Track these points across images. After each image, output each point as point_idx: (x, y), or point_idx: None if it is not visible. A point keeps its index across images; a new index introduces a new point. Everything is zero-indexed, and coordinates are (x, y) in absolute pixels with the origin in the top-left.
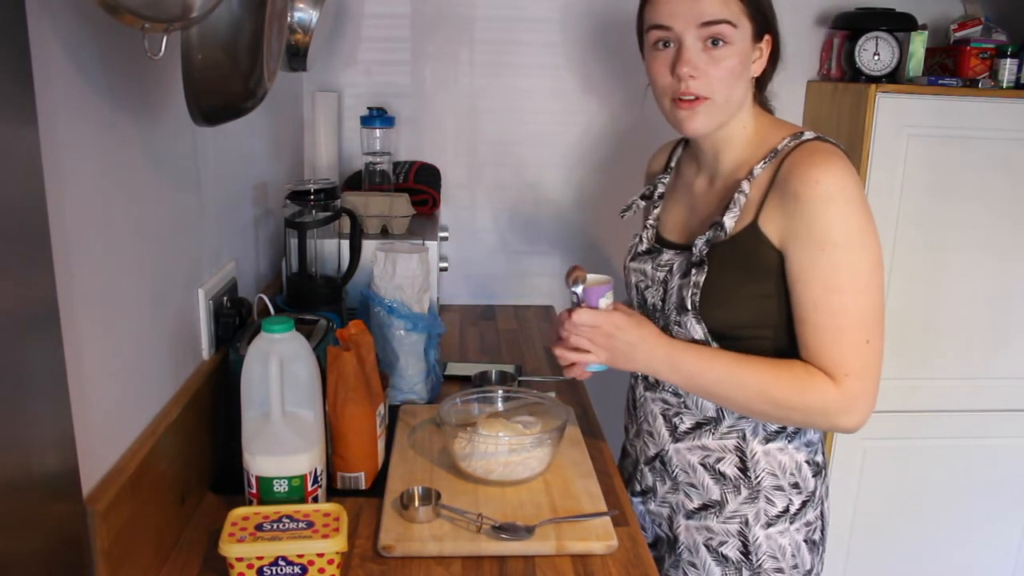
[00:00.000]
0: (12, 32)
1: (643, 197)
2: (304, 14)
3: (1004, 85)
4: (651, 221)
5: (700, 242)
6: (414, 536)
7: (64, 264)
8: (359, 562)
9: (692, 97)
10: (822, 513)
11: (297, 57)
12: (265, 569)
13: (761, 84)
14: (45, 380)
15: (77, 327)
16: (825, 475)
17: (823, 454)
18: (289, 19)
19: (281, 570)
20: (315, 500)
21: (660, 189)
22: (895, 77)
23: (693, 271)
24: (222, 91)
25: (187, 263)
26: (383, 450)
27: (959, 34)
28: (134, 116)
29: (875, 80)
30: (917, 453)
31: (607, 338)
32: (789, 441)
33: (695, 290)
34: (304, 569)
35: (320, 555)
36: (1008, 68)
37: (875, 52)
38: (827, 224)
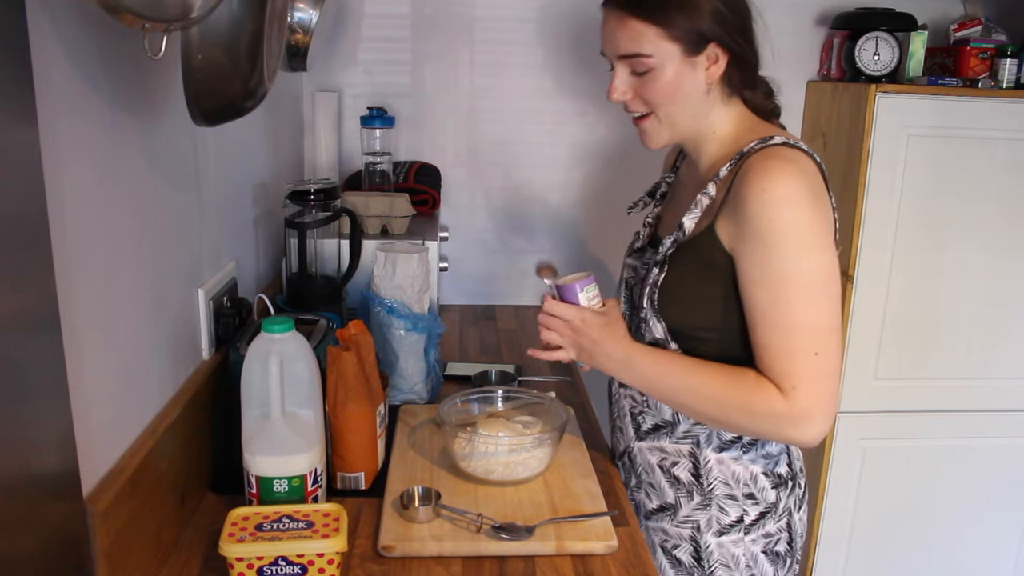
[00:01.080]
0: (12, 32)
1: (650, 194)
2: (304, 14)
3: (1004, 85)
4: (649, 219)
5: (668, 241)
6: (414, 536)
7: (64, 264)
8: (359, 562)
9: (638, 115)
10: (789, 525)
11: (297, 57)
12: (265, 569)
13: (742, 84)
14: (45, 380)
15: (77, 327)
16: (794, 486)
17: (790, 465)
18: (289, 19)
19: (281, 570)
20: (315, 500)
21: (663, 188)
22: (895, 77)
23: (655, 270)
24: (222, 91)
25: (187, 263)
26: (383, 450)
27: (959, 34)
28: (134, 116)
29: (875, 80)
30: (917, 453)
31: (574, 333)
32: (744, 452)
33: (654, 288)
34: (304, 569)
35: (320, 555)
36: (1008, 68)
37: (875, 52)
38: (777, 227)
